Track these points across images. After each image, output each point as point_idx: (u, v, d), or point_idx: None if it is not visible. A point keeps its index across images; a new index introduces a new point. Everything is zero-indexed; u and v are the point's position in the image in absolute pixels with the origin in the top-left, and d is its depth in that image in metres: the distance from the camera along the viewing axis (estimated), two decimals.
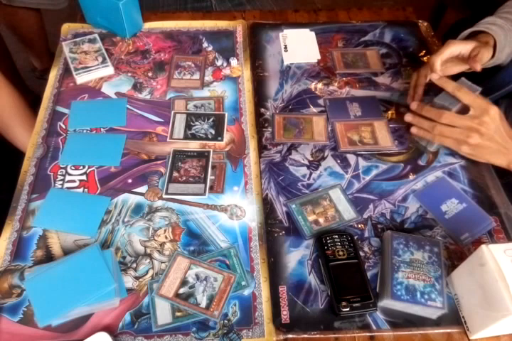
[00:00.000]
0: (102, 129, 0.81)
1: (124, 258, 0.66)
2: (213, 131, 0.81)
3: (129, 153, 0.78)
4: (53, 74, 0.89)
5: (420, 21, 1.00)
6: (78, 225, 0.69)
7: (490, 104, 0.67)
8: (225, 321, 0.61)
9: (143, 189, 0.73)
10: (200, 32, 0.98)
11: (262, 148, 0.79)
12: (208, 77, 0.89)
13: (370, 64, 0.92)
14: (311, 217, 0.71)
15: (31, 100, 1.42)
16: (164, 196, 0.72)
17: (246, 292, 0.64)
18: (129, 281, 0.64)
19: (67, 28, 0.98)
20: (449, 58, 0.74)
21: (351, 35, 0.97)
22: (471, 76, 0.73)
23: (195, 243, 0.68)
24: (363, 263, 0.65)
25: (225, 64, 0.92)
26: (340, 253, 0.64)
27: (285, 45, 0.95)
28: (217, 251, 0.67)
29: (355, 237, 0.68)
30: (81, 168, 0.76)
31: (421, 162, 0.77)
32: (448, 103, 0.70)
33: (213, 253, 0.67)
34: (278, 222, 0.70)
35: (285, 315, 0.62)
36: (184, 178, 0.74)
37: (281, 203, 0.72)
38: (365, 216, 0.71)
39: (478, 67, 0.71)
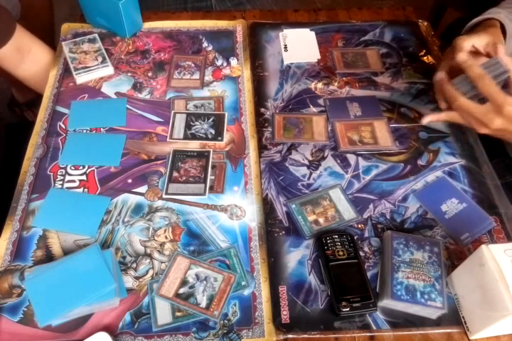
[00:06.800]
0: (101, 129, 0.81)
1: (124, 258, 0.66)
2: (213, 131, 0.81)
3: (128, 153, 0.78)
4: (53, 74, 0.89)
5: (420, 21, 1.00)
6: (78, 225, 0.69)
7: (506, 102, 0.62)
8: (225, 321, 0.61)
9: (143, 189, 0.73)
10: (200, 32, 0.98)
11: (262, 147, 0.79)
12: (207, 77, 0.89)
13: (370, 64, 0.92)
14: (311, 217, 0.71)
15: (31, 100, 1.42)
16: (164, 196, 0.72)
17: (246, 292, 0.64)
18: (129, 281, 0.64)
19: (66, 27, 0.97)
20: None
21: (351, 35, 0.97)
22: None
23: (195, 243, 0.68)
24: (363, 263, 0.65)
25: (224, 64, 0.92)
26: (340, 253, 0.64)
27: (285, 45, 0.95)
28: (217, 251, 0.67)
29: (355, 237, 0.68)
30: (81, 168, 0.76)
31: (421, 162, 0.77)
32: (465, 90, 0.66)
33: (213, 253, 0.67)
34: (278, 222, 0.70)
35: (285, 315, 0.62)
36: (184, 178, 0.74)
37: (281, 203, 0.72)
38: (365, 216, 0.71)
39: None
